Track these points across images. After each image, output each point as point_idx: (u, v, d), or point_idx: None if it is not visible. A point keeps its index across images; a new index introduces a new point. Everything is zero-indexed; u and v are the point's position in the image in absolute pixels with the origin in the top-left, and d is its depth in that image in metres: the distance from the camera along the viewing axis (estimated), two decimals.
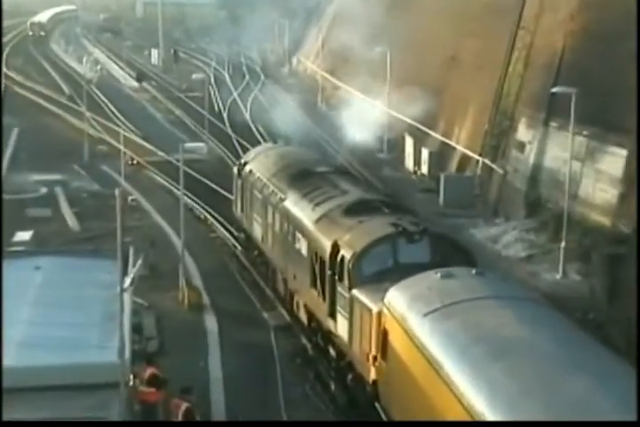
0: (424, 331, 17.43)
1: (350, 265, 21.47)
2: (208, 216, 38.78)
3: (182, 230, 29.80)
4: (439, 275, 19.23)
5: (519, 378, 14.91)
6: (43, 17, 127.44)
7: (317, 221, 24.78)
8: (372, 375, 20.03)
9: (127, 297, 19.49)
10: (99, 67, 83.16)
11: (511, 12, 43.55)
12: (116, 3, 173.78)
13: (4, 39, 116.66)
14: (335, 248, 22.52)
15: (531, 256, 33.98)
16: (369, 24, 54.35)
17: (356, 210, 24.04)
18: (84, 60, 72.11)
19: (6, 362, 17.26)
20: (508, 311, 17.46)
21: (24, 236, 34.09)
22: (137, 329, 25.05)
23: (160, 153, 49.52)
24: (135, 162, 47.68)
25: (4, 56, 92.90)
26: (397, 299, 18.98)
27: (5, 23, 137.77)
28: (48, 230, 36.55)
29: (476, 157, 43.23)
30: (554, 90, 33.18)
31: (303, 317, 26.09)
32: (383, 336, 19.23)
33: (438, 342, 16.90)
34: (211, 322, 27.77)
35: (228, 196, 38.17)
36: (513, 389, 14.65)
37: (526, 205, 37.67)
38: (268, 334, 26.96)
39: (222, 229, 37.21)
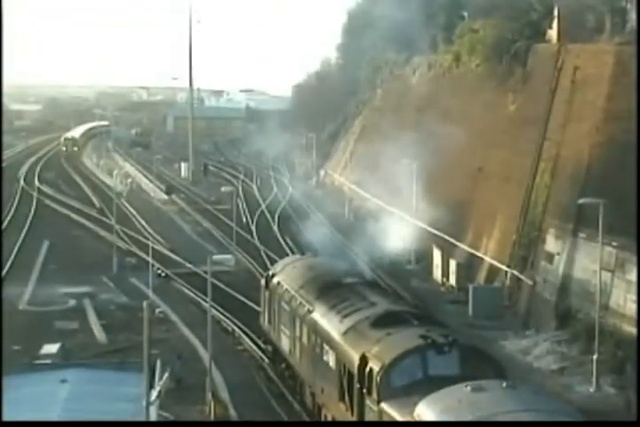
0: None
1: (379, 378, 21.17)
2: (235, 329, 38.57)
3: (210, 343, 29.60)
4: (469, 388, 18.91)
5: None
6: (76, 132, 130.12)
7: (345, 333, 24.58)
8: None
9: (153, 411, 19.26)
10: (129, 180, 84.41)
11: (537, 124, 44.03)
12: (148, 117, 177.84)
13: (40, 153, 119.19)
14: (363, 361, 22.26)
15: (563, 369, 33.42)
16: (396, 136, 55.08)
17: (384, 322, 23.86)
18: (115, 173, 73.28)
19: None
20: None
21: (51, 348, 34.00)
22: None
23: (188, 265, 49.68)
24: (163, 274, 47.81)
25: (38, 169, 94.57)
26: (427, 413, 18.62)
27: (39, 139, 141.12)
28: (75, 343, 36.45)
29: (505, 267, 43.03)
30: (581, 201, 33.23)
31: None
32: None
33: None
34: None
35: (256, 308, 38.02)
36: None
37: (557, 316, 37.26)
38: None
39: (249, 342, 36.94)
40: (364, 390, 21.92)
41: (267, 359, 34.60)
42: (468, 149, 51.39)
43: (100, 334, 38.19)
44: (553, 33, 48.01)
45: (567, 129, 41.33)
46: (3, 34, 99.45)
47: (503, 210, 45.93)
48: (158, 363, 22.75)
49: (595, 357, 31.15)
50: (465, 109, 54.97)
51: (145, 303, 19.57)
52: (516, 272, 41.79)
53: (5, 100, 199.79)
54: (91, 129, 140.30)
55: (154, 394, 18.92)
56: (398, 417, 19.77)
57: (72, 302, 43.21)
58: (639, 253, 25.56)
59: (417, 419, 18.75)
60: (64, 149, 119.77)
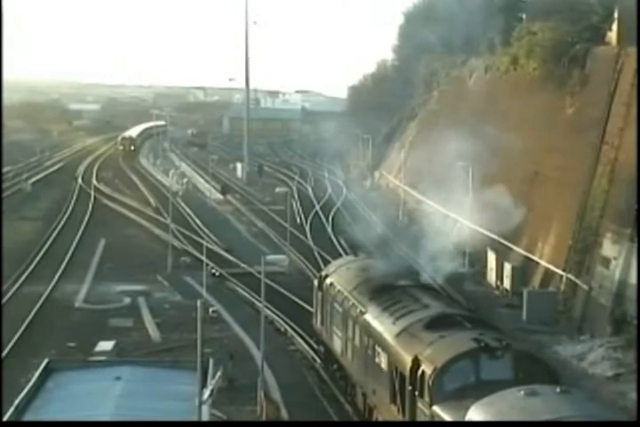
0: None
1: (431, 381, 21.10)
2: (288, 329, 38.65)
3: (262, 343, 29.70)
4: (522, 393, 18.76)
5: None
6: (133, 132, 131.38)
7: (398, 335, 24.52)
8: None
9: (205, 410, 19.36)
10: (185, 180, 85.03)
11: (595, 127, 43.57)
12: (204, 118, 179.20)
13: (97, 152, 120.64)
14: (415, 363, 22.19)
15: (618, 375, 33.01)
16: (452, 139, 54.83)
17: (437, 324, 23.78)
18: (171, 173, 73.83)
19: None
20: None
21: (106, 346, 34.40)
22: None
23: (242, 265, 49.89)
24: (218, 274, 48.05)
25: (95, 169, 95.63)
26: (480, 417, 18.49)
27: (96, 138, 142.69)
28: (130, 340, 36.79)
29: (560, 272, 42.63)
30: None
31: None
32: None
33: None
34: None
35: (309, 308, 38.06)
36: None
37: (612, 321, 36.82)
38: None
39: (302, 342, 36.99)
40: (416, 393, 21.85)
41: (319, 360, 34.62)
42: (524, 152, 51.02)
43: (154, 332, 38.51)
44: (613, 35, 47.48)
45: (626, 133, 40.84)
46: (3, 31, 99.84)
47: (559, 214, 45.53)
48: (211, 362, 22.86)
49: None
50: (522, 112, 54.59)
51: (198, 302, 19.71)
52: (571, 277, 41.38)
53: (64, 100, 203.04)
54: (148, 129, 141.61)
55: (206, 393, 19.00)
56: (450, 420, 19.68)
57: (127, 301, 43.62)
58: (639, 250, 25.29)
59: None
60: (121, 148, 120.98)
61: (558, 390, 18.97)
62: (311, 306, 36.38)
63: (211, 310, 40.31)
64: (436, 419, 20.49)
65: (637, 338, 21.08)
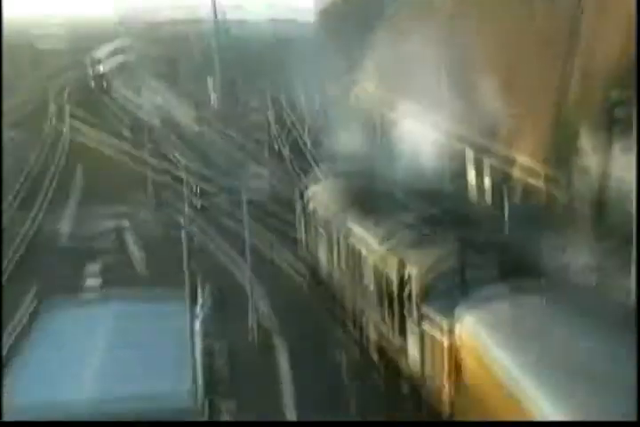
0: (499, 351, 17.03)
1: (418, 283, 21.20)
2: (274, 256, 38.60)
3: (249, 260, 29.71)
4: (509, 289, 18.89)
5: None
6: (100, 53, 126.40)
7: (383, 241, 24.54)
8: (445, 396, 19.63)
9: (198, 339, 19.59)
10: (158, 104, 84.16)
11: (567, 19, 42.89)
12: (174, 49, 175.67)
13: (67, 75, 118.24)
14: (401, 266, 22.29)
15: (601, 267, 33.13)
16: (422, 50, 54.34)
17: (420, 226, 23.84)
18: (145, 103, 73.19)
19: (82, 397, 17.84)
20: (586, 327, 16.96)
21: (94, 282, 34.61)
22: (209, 369, 24.94)
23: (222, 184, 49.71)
24: (200, 206, 47.71)
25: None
26: (468, 315, 18.69)
27: (63, 61, 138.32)
28: (116, 275, 36.72)
29: (540, 182, 42.42)
30: (613, 96, 32.70)
31: (372, 335, 25.76)
32: (455, 354, 18.90)
33: (513, 361, 16.49)
34: (283, 362, 27.73)
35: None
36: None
37: (594, 229, 36.79)
38: (340, 374, 26.56)
39: (289, 268, 37.03)
40: (404, 296, 21.98)
41: (307, 284, 34.67)
42: (497, 58, 50.44)
43: (139, 264, 38.44)
44: None
45: (599, 21, 40.07)
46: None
47: (536, 114, 45.19)
48: (199, 292, 22.95)
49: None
50: (493, 22, 53.85)
51: (183, 232, 19.74)
52: (551, 187, 41.22)
53: (25, 26, 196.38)
54: (115, 50, 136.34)
55: (197, 323, 19.24)
56: (439, 320, 19.81)
57: (112, 236, 43.30)
58: (639, 243, 25.58)
59: (458, 321, 18.80)
60: (93, 85, 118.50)
61: (544, 284, 19.07)
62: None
63: (195, 238, 40.03)
64: (426, 321, 20.63)
65: (637, 333, 21.10)
